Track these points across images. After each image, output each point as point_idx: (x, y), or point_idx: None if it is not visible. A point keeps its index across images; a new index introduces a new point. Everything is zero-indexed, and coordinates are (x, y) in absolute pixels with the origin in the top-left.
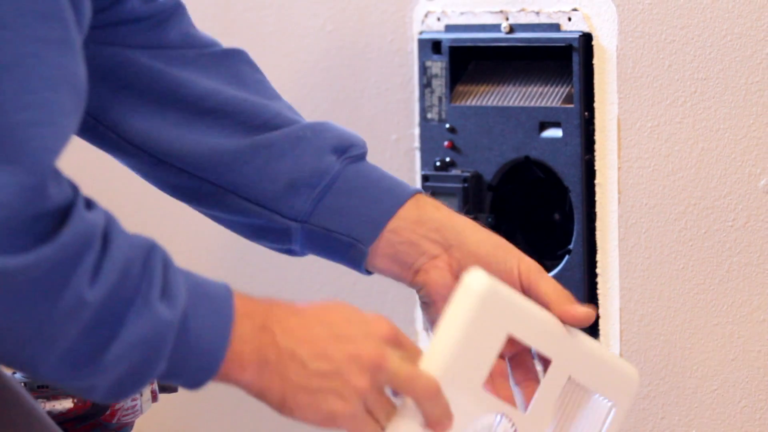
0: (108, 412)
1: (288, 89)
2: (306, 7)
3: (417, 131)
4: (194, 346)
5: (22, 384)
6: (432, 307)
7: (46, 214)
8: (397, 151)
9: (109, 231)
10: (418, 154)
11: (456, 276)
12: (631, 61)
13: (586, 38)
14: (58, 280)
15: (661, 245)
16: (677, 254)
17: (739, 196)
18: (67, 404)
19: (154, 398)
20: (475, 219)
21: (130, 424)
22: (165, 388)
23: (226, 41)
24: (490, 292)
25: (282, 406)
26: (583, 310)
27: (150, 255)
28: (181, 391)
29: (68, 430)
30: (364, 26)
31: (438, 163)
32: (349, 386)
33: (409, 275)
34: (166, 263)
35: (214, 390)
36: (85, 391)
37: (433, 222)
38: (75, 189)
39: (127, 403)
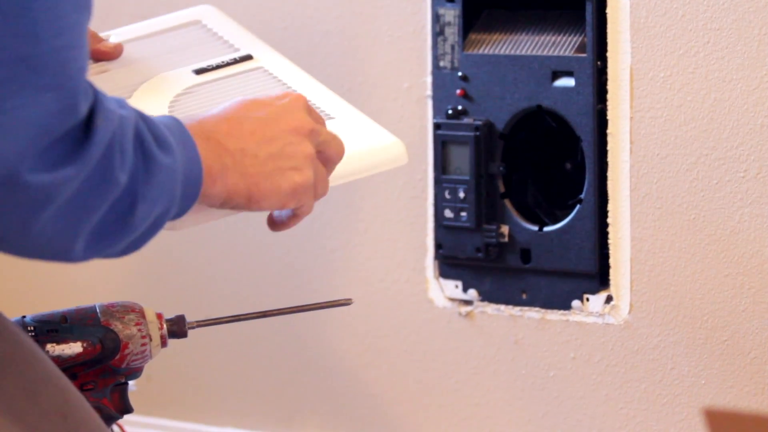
0: (117, 357)
1: (300, 37)
2: None
3: (429, 79)
4: (185, 179)
5: (31, 328)
6: None
7: (78, 125)
8: (409, 99)
9: (120, 113)
10: (430, 102)
11: None
12: (644, 10)
13: None
14: (98, 177)
15: (673, 195)
16: (688, 205)
17: (751, 147)
18: (76, 348)
19: (164, 343)
20: (487, 167)
21: (140, 369)
22: (175, 333)
23: None
24: None
25: (250, 201)
26: (112, 44)
27: (137, 119)
28: (191, 336)
29: (77, 374)
30: None
31: (450, 112)
32: (299, 156)
33: None
34: (142, 115)
35: (222, 333)
36: (107, 255)
37: None
38: (93, 88)
39: (137, 347)
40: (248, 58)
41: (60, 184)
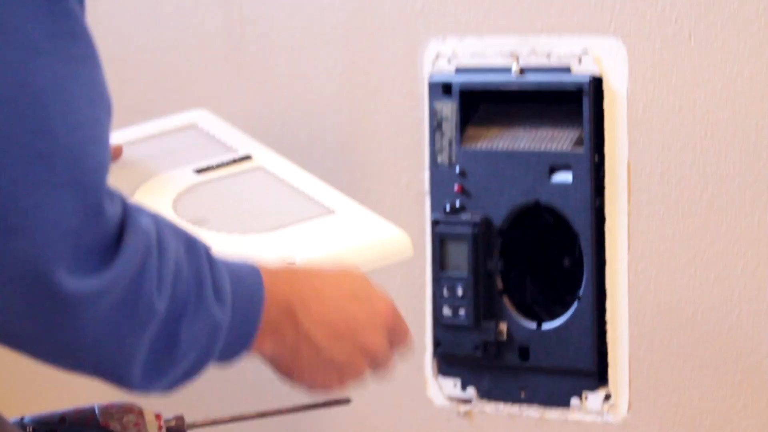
0: None
1: (298, 130)
2: (316, 48)
3: (427, 175)
4: (233, 337)
5: (30, 430)
6: None
7: (107, 233)
8: (407, 194)
9: (159, 233)
10: (428, 199)
11: None
12: (641, 104)
13: (597, 82)
14: (131, 295)
15: (671, 292)
16: (687, 301)
17: (749, 242)
18: None
19: None
20: (485, 264)
21: None
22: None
23: (236, 82)
24: None
25: (285, 374)
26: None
27: (195, 252)
28: None
29: None
30: (374, 68)
31: (448, 208)
32: (351, 372)
33: None
34: (210, 258)
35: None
36: (164, 387)
37: None
38: (122, 199)
39: None
40: (247, 158)
41: (93, 295)
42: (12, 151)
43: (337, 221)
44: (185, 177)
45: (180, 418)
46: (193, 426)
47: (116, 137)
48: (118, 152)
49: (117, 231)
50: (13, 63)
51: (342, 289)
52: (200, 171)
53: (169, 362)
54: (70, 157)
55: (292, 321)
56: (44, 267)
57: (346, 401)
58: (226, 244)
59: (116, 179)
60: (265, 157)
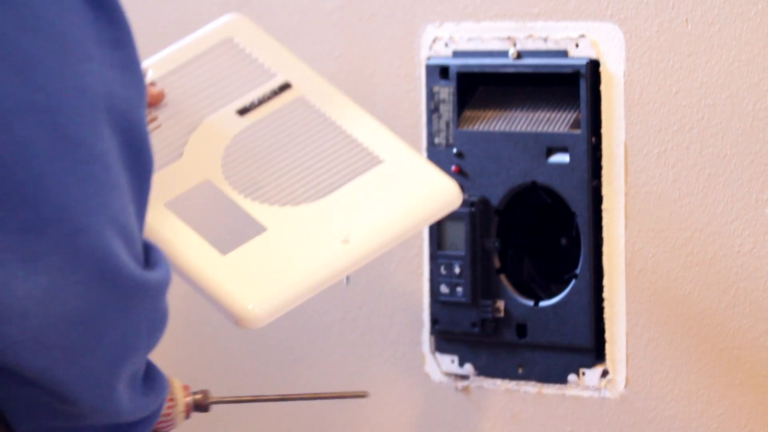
0: None
1: None
2: (314, 32)
3: (425, 156)
4: None
5: None
6: None
7: (142, 239)
8: None
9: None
10: None
11: None
12: (638, 86)
13: (594, 65)
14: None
15: (668, 271)
16: (684, 280)
17: (746, 222)
18: None
19: (187, 414)
20: (483, 243)
21: None
22: (198, 406)
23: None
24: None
25: None
26: (154, 90)
27: None
28: (212, 413)
29: None
30: (371, 52)
31: None
32: None
33: None
34: None
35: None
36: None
37: None
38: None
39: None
40: (287, 86)
41: (161, 282)
42: (77, 151)
43: (385, 173)
44: (229, 122)
45: (205, 392)
46: (217, 401)
47: (155, 66)
48: (160, 97)
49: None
50: (68, 66)
51: None
52: (242, 112)
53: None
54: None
55: None
56: (116, 261)
57: (363, 394)
58: (281, 219)
59: (162, 132)
60: (305, 83)
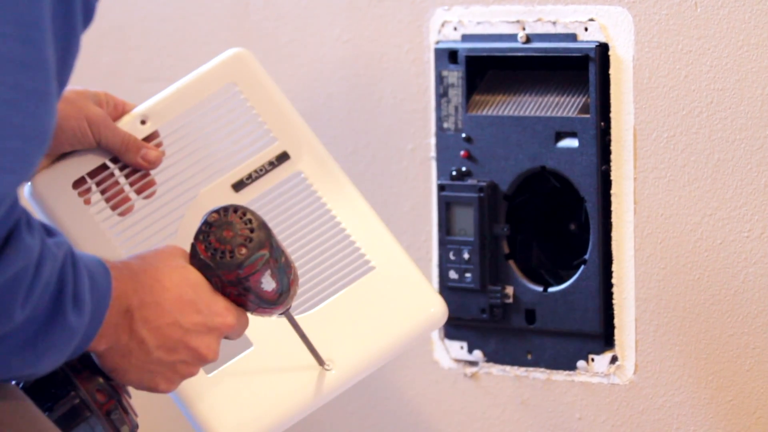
0: None
1: (304, 98)
2: (323, 16)
3: (433, 141)
4: (81, 338)
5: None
6: None
7: None
8: (413, 160)
9: (42, 252)
10: (434, 164)
11: None
12: (647, 71)
13: (603, 48)
14: None
15: (677, 256)
16: (693, 265)
17: (755, 207)
18: None
19: None
20: (492, 229)
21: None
22: None
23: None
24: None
25: (112, 371)
26: (154, 154)
27: (65, 265)
28: None
29: None
30: (380, 36)
31: (454, 173)
32: (179, 374)
33: None
34: (75, 264)
35: None
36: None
37: None
38: (19, 214)
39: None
40: (285, 157)
41: None
42: None
43: (375, 284)
44: (224, 196)
45: None
46: None
47: (152, 107)
48: (158, 161)
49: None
50: None
51: (182, 296)
52: (238, 187)
53: (22, 364)
54: None
55: (129, 324)
56: None
57: (322, 363)
58: (267, 334)
59: (159, 202)
60: (303, 153)
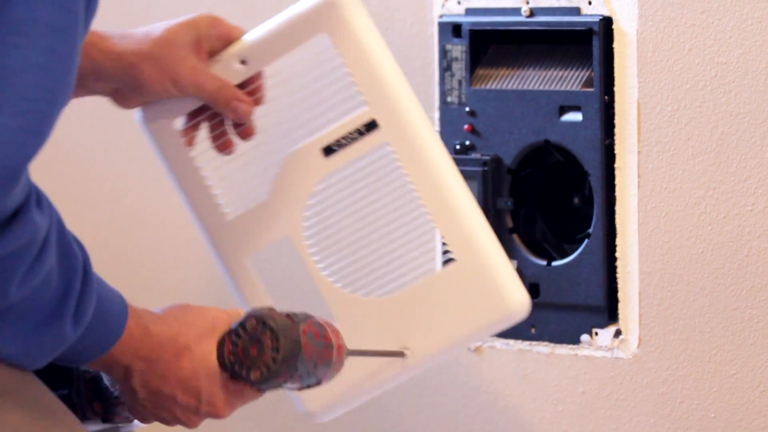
0: None
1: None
2: None
3: (437, 115)
4: (75, 355)
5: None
6: None
7: (2, 213)
8: None
9: (48, 238)
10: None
11: None
12: (651, 44)
13: (607, 22)
14: None
15: (681, 229)
16: (696, 238)
17: (759, 181)
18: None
19: None
20: (495, 202)
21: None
22: None
23: (243, 22)
24: None
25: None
26: (243, 108)
27: (74, 269)
28: None
29: None
30: (384, 9)
31: (458, 147)
32: (159, 420)
33: None
34: (86, 280)
35: None
36: None
37: None
38: (30, 188)
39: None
40: (373, 126)
41: None
42: None
43: (456, 277)
44: (313, 162)
45: None
46: None
47: (248, 46)
48: (247, 114)
49: (10, 215)
50: None
51: (190, 380)
52: (327, 152)
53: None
54: (2, 138)
55: (124, 374)
56: None
57: (401, 354)
58: (348, 308)
59: (249, 161)
60: (392, 121)
